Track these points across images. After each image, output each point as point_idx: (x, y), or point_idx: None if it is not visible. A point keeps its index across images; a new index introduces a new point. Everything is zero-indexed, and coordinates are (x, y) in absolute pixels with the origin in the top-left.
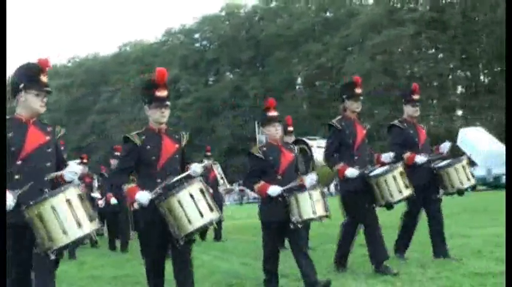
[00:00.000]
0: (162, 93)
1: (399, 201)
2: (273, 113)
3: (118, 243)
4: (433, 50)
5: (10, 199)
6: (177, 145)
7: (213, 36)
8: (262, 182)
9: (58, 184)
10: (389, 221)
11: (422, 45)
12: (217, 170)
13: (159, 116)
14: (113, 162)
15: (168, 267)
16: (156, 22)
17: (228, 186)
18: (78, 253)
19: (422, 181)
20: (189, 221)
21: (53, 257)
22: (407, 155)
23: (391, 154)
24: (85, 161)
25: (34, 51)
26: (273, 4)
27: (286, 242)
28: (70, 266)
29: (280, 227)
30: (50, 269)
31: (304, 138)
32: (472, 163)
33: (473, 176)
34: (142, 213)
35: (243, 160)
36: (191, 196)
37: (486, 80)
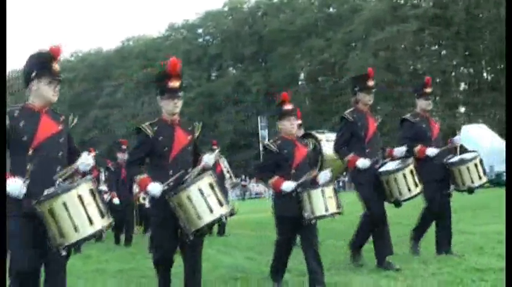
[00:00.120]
0: (174, 84)
1: (408, 199)
2: (288, 107)
3: (122, 237)
4: (436, 47)
5: (19, 187)
6: (189, 137)
7: (216, 32)
8: (276, 177)
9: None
10: (396, 217)
11: (426, 41)
12: (223, 164)
13: (172, 107)
14: (120, 155)
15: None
16: (159, 17)
17: (234, 180)
18: (83, 247)
19: (435, 177)
20: (199, 216)
21: (64, 253)
22: (417, 148)
23: (403, 149)
24: (92, 154)
25: (37, 46)
26: None
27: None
28: (75, 259)
29: (294, 223)
30: (62, 263)
31: (312, 132)
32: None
33: (484, 173)
34: (154, 207)
35: (246, 156)
36: (200, 191)
37: (489, 77)
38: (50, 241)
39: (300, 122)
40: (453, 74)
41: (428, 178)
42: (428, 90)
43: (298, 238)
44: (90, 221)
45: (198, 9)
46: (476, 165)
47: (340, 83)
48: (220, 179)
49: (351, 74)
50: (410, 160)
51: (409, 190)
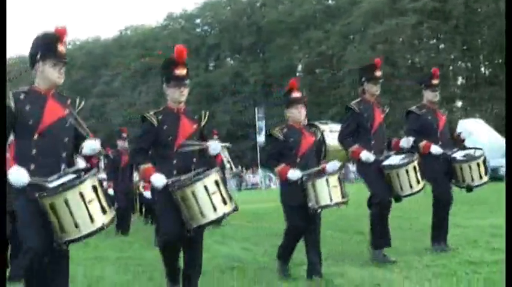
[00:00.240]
0: (181, 71)
1: (408, 195)
2: (296, 95)
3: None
4: (435, 41)
5: (22, 176)
6: (195, 125)
7: (214, 22)
8: (282, 165)
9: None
10: (397, 210)
11: (424, 35)
12: (224, 154)
13: (178, 95)
14: (120, 143)
15: None
16: (158, 7)
17: (235, 170)
18: None
19: (441, 171)
20: (202, 214)
21: (64, 247)
22: (423, 143)
23: (411, 139)
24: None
25: (35, 35)
26: None
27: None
28: (75, 247)
29: (300, 211)
30: (66, 254)
31: (316, 123)
32: None
33: (486, 173)
34: (159, 193)
35: (242, 146)
36: (206, 188)
37: (487, 72)
38: (53, 233)
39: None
40: (451, 68)
41: (434, 174)
42: (435, 81)
43: None
44: (91, 219)
45: None
46: (479, 164)
47: (337, 75)
48: (221, 168)
49: (348, 67)
50: (415, 156)
51: (411, 186)
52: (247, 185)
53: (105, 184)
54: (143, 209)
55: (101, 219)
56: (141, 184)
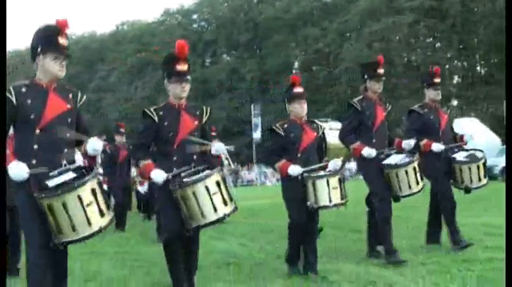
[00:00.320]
0: (182, 67)
1: (407, 196)
2: (298, 90)
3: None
4: (431, 39)
5: (22, 171)
6: (196, 122)
7: (211, 18)
8: (283, 161)
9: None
10: (395, 210)
11: (421, 33)
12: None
13: (179, 91)
14: (118, 138)
15: None
16: (155, 2)
17: (233, 166)
18: None
19: (442, 170)
20: (202, 214)
21: (61, 248)
22: (423, 142)
23: (412, 142)
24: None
25: (31, 29)
26: None
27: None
28: None
29: (301, 206)
30: (64, 251)
31: (315, 120)
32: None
33: (485, 176)
34: (158, 193)
35: (238, 143)
36: (207, 188)
37: (482, 71)
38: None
39: None
40: (447, 66)
41: (435, 172)
42: (437, 80)
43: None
44: (89, 222)
45: None
46: (478, 167)
47: (334, 73)
48: (219, 165)
49: (345, 65)
50: (415, 157)
51: (410, 187)
52: (243, 182)
53: (101, 178)
54: (141, 205)
55: (98, 222)
56: (139, 179)
